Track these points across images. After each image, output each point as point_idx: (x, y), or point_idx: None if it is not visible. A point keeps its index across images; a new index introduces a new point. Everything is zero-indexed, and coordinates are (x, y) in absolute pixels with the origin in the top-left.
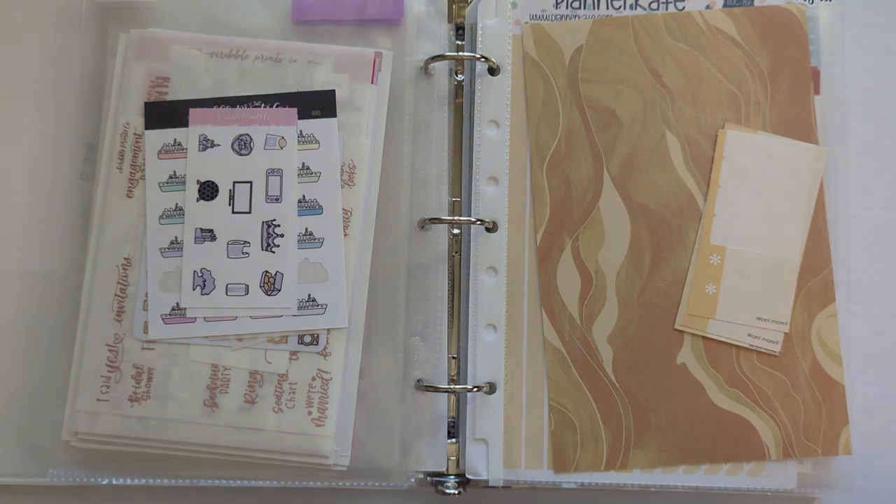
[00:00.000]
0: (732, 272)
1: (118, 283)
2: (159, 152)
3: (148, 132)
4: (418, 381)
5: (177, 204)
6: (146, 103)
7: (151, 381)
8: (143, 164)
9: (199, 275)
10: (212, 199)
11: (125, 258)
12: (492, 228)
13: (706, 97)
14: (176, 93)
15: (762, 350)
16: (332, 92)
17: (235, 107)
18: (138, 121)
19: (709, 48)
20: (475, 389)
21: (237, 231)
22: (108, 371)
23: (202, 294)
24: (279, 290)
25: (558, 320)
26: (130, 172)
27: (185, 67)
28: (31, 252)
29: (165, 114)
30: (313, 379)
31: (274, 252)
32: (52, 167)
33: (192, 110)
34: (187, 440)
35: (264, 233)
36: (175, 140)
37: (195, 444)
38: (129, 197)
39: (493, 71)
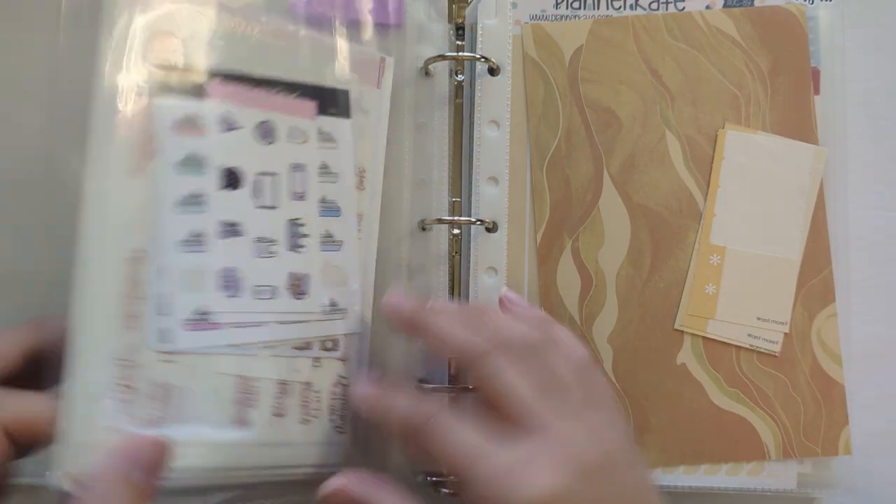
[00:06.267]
0: (732, 272)
1: (124, 282)
2: (172, 128)
3: (160, 102)
4: (419, 381)
5: (194, 190)
6: (153, 66)
7: (171, 401)
8: (151, 139)
9: (225, 275)
10: (235, 188)
11: (135, 249)
12: (492, 228)
13: (706, 97)
14: (189, 59)
15: (762, 350)
16: (347, 93)
17: (254, 89)
18: (142, 87)
19: (709, 48)
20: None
21: (263, 227)
22: (120, 390)
23: (227, 297)
24: (306, 294)
25: (558, 320)
26: (135, 148)
27: (195, 34)
28: (32, 252)
29: (177, 83)
30: (335, 385)
31: (299, 253)
32: (52, 167)
33: (212, 83)
34: (214, 466)
35: (290, 231)
36: (191, 114)
37: (223, 468)
38: (134, 177)
39: (493, 71)
